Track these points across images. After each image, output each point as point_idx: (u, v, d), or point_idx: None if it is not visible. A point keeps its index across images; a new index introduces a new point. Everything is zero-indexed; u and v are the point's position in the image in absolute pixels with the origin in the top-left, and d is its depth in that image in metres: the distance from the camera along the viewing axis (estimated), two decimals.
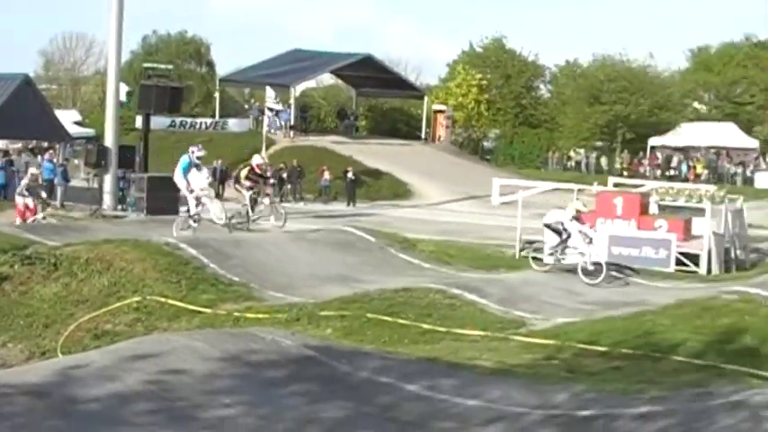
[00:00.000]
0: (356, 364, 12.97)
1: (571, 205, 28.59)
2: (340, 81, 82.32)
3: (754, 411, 10.30)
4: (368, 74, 73.68)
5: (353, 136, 71.17)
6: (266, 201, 30.85)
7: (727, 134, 79.35)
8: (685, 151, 78.37)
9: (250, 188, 30.75)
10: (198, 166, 29.96)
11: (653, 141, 79.77)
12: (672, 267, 29.73)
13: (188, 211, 28.20)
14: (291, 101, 67.32)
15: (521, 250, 32.38)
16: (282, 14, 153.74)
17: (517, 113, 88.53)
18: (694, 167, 74.59)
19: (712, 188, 36.03)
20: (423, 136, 74.83)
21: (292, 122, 66.52)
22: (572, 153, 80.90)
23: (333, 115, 79.44)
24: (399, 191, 57.00)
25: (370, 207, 48.21)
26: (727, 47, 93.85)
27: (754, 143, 78.95)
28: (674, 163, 76.13)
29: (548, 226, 28.55)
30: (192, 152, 29.60)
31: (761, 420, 9.99)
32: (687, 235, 31.35)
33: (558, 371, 14.88)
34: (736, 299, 20.61)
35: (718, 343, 17.35)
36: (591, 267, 26.95)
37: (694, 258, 30.26)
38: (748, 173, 73.87)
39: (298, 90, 73.45)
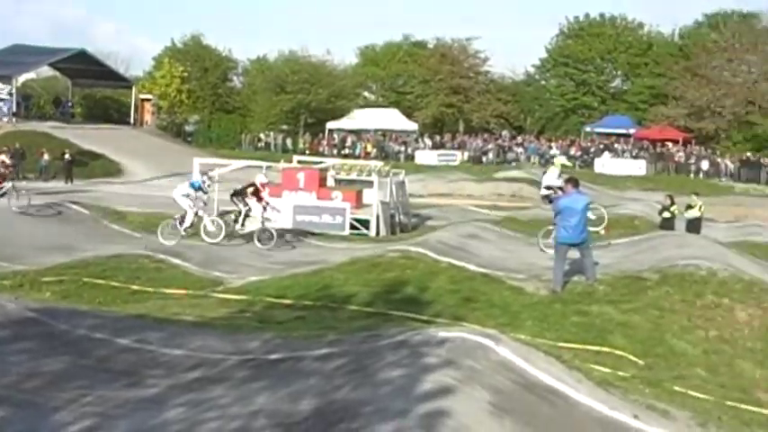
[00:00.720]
0: (73, 322, 12.66)
1: (557, 162, 28.38)
2: (58, 73, 79.63)
3: (414, 349, 10.62)
4: (82, 66, 71.65)
5: (70, 121, 69.05)
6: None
7: (392, 119, 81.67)
8: (358, 133, 79.98)
9: (247, 203, 26.97)
10: (203, 190, 27.61)
11: (330, 125, 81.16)
12: (347, 231, 30.33)
13: (181, 221, 25.98)
14: (13, 90, 64.66)
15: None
16: (3, 13, 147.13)
17: (214, 101, 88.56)
18: (365, 147, 76.14)
19: (380, 164, 36.78)
20: (131, 121, 73.45)
21: (14, 110, 63.98)
22: (262, 135, 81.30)
23: (51, 103, 76.92)
24: (111, 170, 55.90)
25: (85, 184, 46.93)
26: (390, 45, 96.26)
27: (414, 126, 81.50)
28: (349, 143, 77.50)
29: (547, 191, 27.05)
30: (204, 181, 27.19)
31: (419, 356, 10.32)
32: (359, 204, 32.01)
33: (251, 322, 14.93)
34: (399, 256, 21.13)
35: (385, 293, 17.78)
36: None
37: (365, 223, 31.01)
38: (410, 151, 76.21)
39: (19, 81, 71.10)
